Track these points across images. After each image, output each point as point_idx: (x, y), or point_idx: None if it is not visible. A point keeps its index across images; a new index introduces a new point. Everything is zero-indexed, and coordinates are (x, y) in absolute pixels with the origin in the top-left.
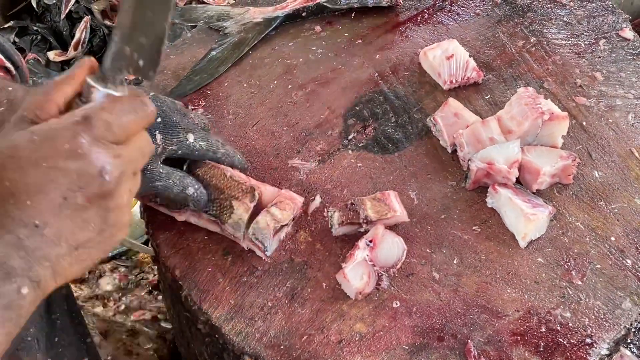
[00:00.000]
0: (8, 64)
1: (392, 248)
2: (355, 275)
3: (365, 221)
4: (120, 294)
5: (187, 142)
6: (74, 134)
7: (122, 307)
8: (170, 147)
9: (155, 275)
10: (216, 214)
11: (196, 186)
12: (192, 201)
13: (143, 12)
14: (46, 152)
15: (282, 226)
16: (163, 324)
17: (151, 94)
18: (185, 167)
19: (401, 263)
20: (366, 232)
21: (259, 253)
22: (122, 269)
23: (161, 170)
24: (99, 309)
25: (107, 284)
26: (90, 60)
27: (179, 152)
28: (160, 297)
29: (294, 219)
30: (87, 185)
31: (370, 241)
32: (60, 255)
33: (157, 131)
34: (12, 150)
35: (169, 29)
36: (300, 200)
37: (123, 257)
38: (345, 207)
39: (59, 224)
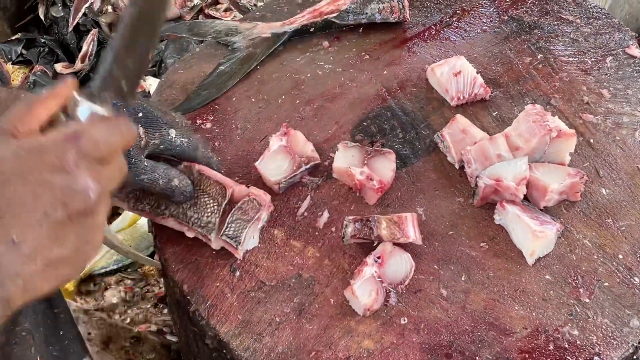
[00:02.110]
0: None
1: (400, 264)
2: (363, 291)
3: (376, 239)
4: (126, 307)
5: (169, 137)
6: (62, 149)
7: (128, 320)
8: (152, 141)
9: (161, 287)
10: (184, 212)
11: (180, 177)
12: (179, 192)
13: (135, 37)
14: (32, 165)
15: (252, 221)
16: (168, 337)
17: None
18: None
19: (409, 279)
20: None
21: (232, 251)
22: (128, 282)
23: (146, 164)
24: (104, 314)
25: (112, 296)
26: (74, 80)
27: (161, 146)
28: (165, 311)
29: (263, 216)
30: (70, 201)
31: (379, 257)
32: (34, 272)
33: (139, 124)
34: None
35: (152, 56)
36: (266, 197)
37: (129, 270)
38: (360, 221)
39: (36, 240)
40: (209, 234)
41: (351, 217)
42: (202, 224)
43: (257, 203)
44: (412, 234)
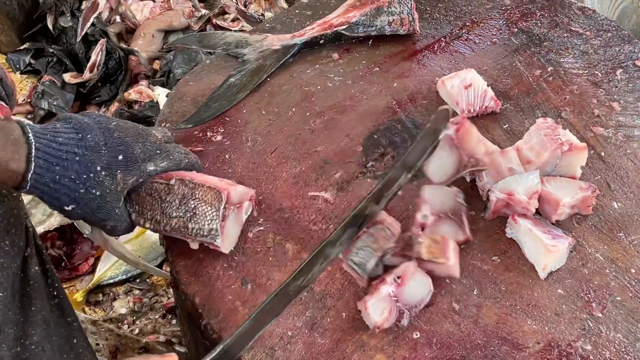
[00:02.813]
0: None
1: (419, 287)
2: (376, 309)
3: (416, 257)
4: (134, 317)
5: (147, 172)
6: None
7: (136, 330)
8: (131, 181)
9: (169, 298)
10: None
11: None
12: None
13: None
14: None
15: (380, 251)
16: (177, 348)
17: (114, 120)
18: None
19: (424, 304)
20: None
21: (356, 278)
22: (137, 292)
23: (116, 212)
24: (113, 325)
25: (121, 306)
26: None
27: (140, 180)
28: (174, 322)
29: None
30: None
31: (399, 277)
32: None
33: (119, 171)
34: None
35: None
36: (398, 227)
37: (137, 280)
38: (402, 239)
39: None
40: (213, 241)
41: None
42: (205, 233)
43: (390, 233)
44: (452, 258)
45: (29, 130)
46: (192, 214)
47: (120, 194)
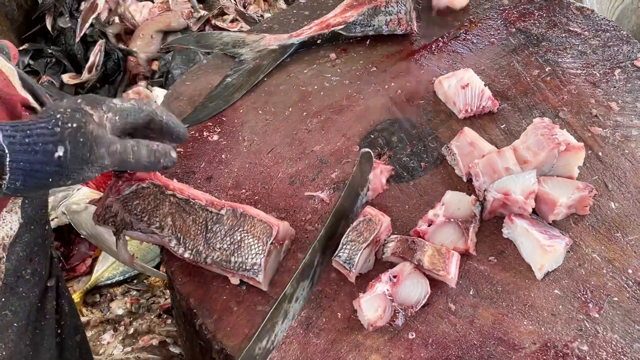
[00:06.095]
0: (35, 104)
1: (415, 288)
2: (370, 306)
3: (416, 263)
4: (131, 319)
5: (117, 106)
6: None
7: (132, 330)
8: (105, 115)
9: (166, 299)
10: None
11: (156, 143)
12: (160, 155)
13: None
14: None
15: (367, 243)
16: (171, 349)
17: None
18: None
19: (421, 305)
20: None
21: (346, 274)
22: (134, 293)
23: (110, 137)
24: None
25: (118, 307)
26: None
27: (116, 118)
28: (169, 321)
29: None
30: None
31: (394, 277)
32: None
33: (83, 104)
34: None
35: None
36: (384, 218)
37: (135, 281)
38: (405, 241)
39: None
40: (255, 277)
41: (396, 235)
42: (247, 267)
43: (373, 223)
44: (453, 272)
45: None
46: (236, 246)
47: (101, 126)
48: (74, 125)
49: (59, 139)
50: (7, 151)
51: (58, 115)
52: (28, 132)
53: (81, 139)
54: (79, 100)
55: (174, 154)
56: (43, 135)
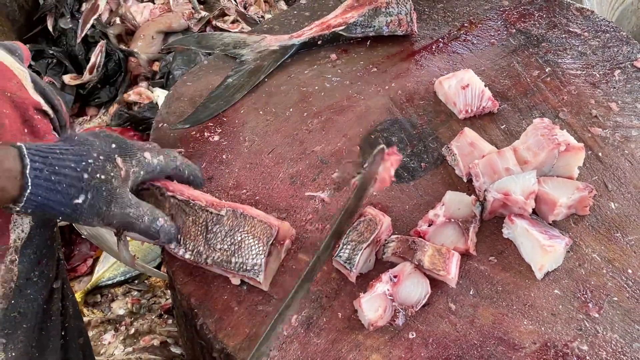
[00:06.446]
0: (46, 108)
1: (415, 288)
2: (370, 306)
3: (417, 263)
4: (132, 319)
5: (146, 160)
6: None
7: (133, 330)
8: (132, 170)
9: (167, 299)
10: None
11: (166, 217)
12: (164, 232)
13: None
14: None
15: (368, 243)
16: (172, 349)
17: (103, 130)
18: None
19: (421, 305)
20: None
21: (346, 274)
22: (135, 293)
23: (130, 197)
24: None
25: (119, 307)
26: None
27: (141, 172)
28: (170, 321)
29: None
30: None
31: (395, 276)
32: None
33: (116, 155)
34: None
35: None
36: (384, 218)
37: (136, 281)
38: (405, 241)
39: None
40: (256, 277)
41: (397, 235)
42: (248, 267)
43: (373, 223)
44: (453, 272)
45: (21, 145)
46: (237, 247)
47: (126, 182)
48: (102, 177)
49: (83, 187)
50: (30, 184)
51: (90, 160)
52: (56, 168)
53: (104, 194)
54: (113, 146)
55: (173, 230)
56: (70, 177)
